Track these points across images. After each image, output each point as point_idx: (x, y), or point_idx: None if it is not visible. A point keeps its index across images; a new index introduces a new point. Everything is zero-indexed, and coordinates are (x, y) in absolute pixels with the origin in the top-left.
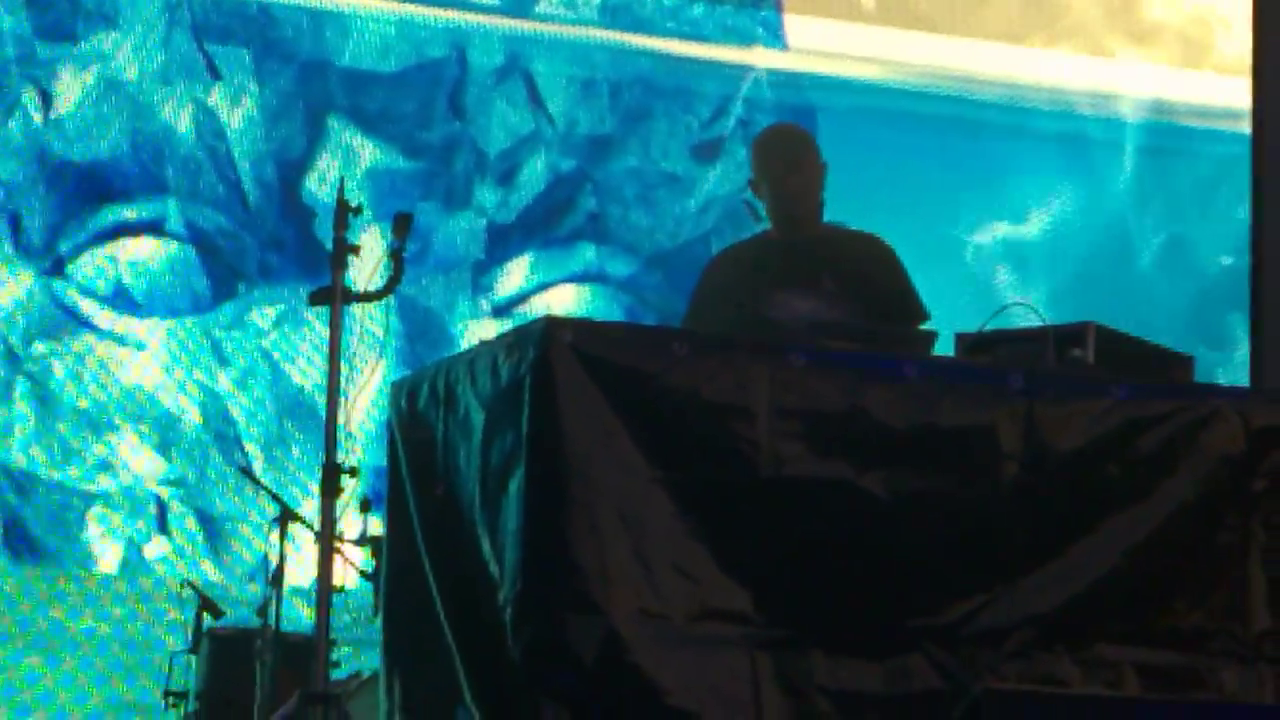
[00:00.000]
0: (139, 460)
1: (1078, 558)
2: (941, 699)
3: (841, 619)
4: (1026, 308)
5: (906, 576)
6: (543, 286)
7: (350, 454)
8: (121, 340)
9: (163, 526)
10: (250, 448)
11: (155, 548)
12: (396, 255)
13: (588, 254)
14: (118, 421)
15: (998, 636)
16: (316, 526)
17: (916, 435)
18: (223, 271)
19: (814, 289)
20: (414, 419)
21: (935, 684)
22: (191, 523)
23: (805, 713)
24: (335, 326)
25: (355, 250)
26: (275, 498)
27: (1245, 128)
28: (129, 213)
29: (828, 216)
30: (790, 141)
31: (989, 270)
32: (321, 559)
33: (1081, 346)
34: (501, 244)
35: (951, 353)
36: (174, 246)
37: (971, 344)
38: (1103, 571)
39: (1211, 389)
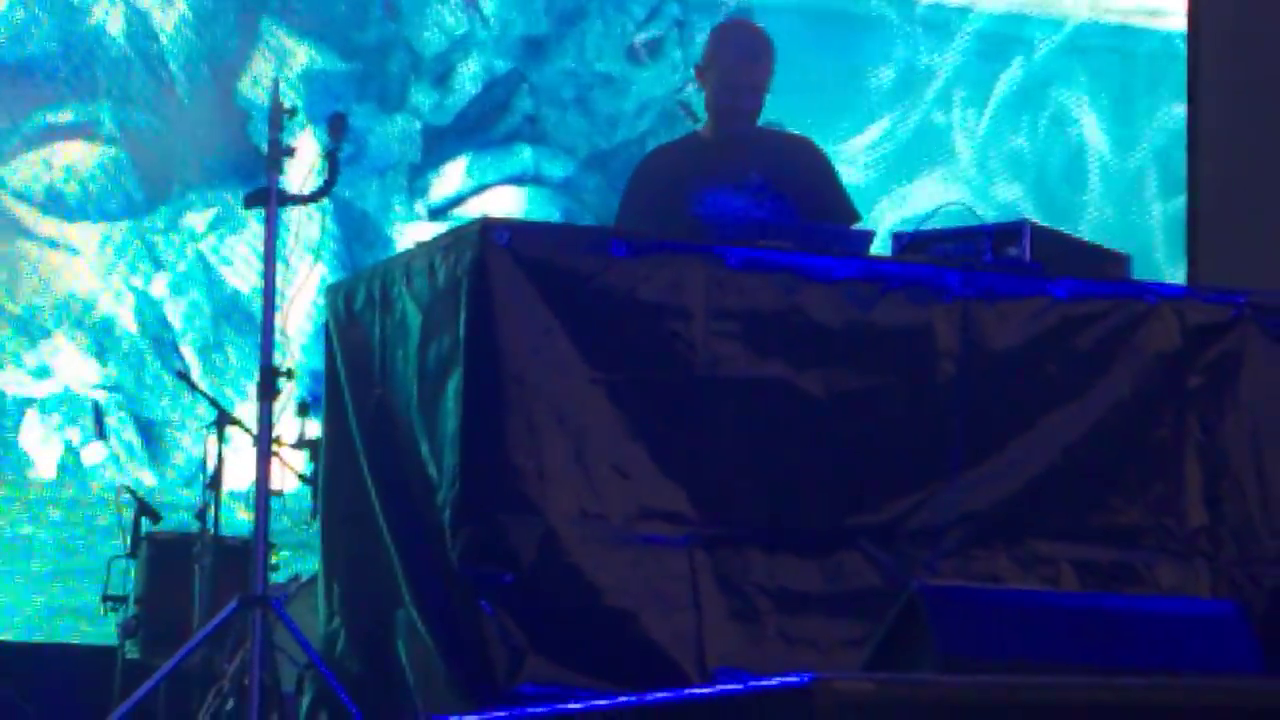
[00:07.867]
0: (75, 366)
1: (1014, 456)
2: (878, 596)
3: (779, 518)
4: (962, 206)
5: (843, 475)
6: (479, 189)
7: (287, 357)
8: (55, 245)
9: (100, 432)
10: (187, 352)
11: (93, 453)
12: (331, 157)
13: (524, 156)
14: (53, 328)
15: (934, 534)
16: (254, 430)
17: (853, 335)
18: (156, 175)
19: (743, 185)
20: (351, 321)
21: (872, 581)
22: (129, 429)
23: (743, 611)
24: (271, 229)
25: (290, 153)
26: (212, 402)
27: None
28: (61, 116)
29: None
30: (755, 36)
31: (931, 173)
32: (259, 463)
33: (1017, 244)
34: (437, 146)
35: (888, 251)
36: (107, 150)
37: (908, 243)
38: (1039, 469)
39: (1148, 286)
